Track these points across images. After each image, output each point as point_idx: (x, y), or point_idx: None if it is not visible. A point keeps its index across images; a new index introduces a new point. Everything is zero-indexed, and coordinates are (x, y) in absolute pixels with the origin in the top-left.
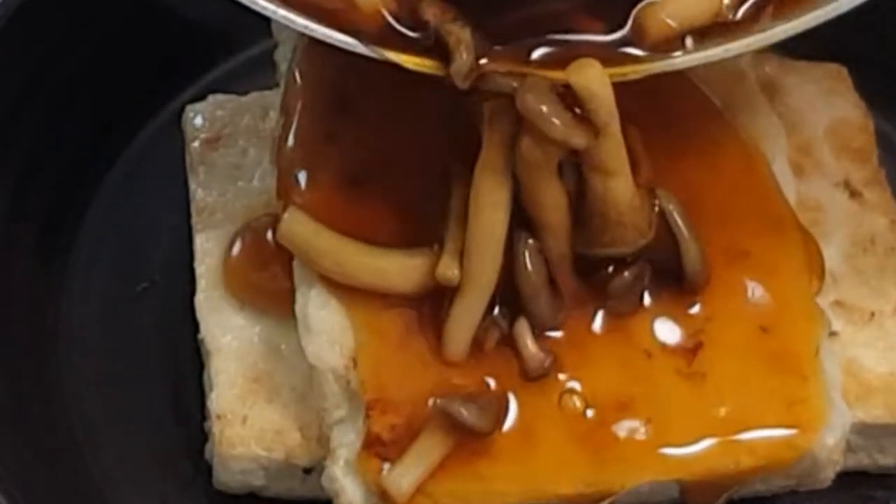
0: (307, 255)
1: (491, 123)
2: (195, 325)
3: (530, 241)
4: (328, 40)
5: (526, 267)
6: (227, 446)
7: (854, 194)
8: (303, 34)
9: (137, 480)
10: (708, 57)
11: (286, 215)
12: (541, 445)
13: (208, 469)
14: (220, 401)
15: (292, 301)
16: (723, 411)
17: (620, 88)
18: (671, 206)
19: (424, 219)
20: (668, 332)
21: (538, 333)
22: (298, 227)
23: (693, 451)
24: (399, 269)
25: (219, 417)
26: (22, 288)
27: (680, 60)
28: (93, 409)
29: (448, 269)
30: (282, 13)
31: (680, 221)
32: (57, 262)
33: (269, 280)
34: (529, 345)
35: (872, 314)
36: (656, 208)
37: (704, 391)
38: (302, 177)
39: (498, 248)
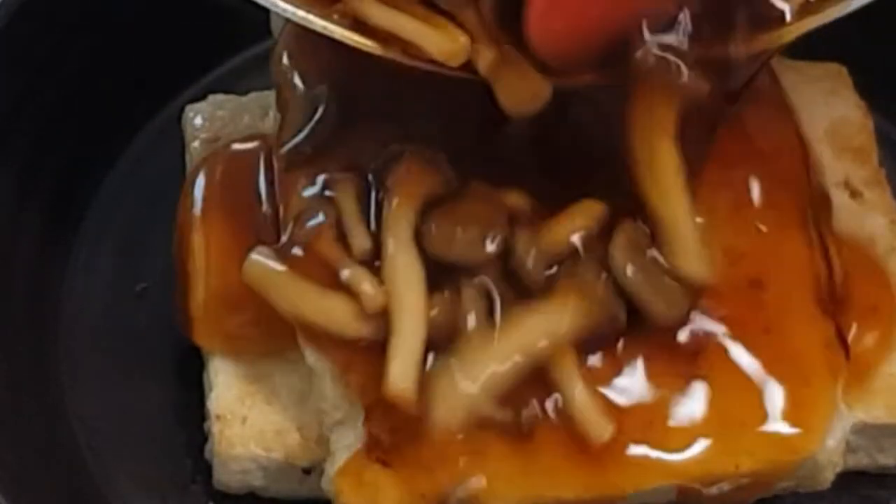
0: (269, 297)
1: None
2: None
3: (471, 291)
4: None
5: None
6: (226, 446)
7: (854, 194)
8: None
9: (137, 480)
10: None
11: (249, 258)
12: (541, 451)
13: (208, 469)
14: (220, 401)
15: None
16: (723, 413)
17: None
18: (629, 271)
19: None
20: (668, 333)
21: None
22: (259, 268)
23: (693, 454)
24: (343, 312)
25: (218, 417)
26: (22, 287)
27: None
28: (93, 409)
29: (377, 298)
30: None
31: (639, 287)
32: (57, 262)
33: (246, 325)
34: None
35: None
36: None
37: (705, 393)
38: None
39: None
